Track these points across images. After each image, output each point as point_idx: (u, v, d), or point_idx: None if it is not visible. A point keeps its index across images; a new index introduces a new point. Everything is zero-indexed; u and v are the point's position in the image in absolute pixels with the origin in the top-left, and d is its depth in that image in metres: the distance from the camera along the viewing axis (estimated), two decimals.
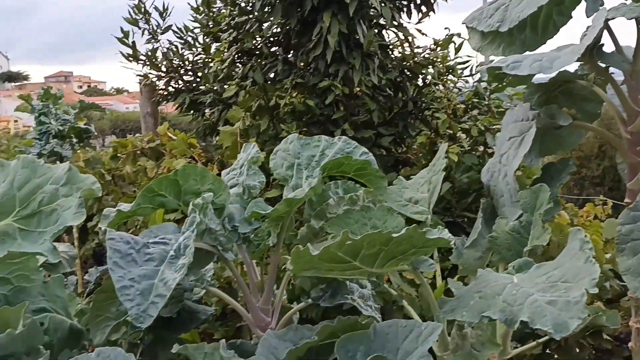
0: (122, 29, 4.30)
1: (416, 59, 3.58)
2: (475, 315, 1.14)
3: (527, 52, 1.79)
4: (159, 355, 2.00)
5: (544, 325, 1.06)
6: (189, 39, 4.38)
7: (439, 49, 3.65)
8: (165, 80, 4.39)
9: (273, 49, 3.75)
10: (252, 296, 1.93)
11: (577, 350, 2.53)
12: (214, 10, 4.30)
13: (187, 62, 4.37)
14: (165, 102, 4.62)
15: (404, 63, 3.66)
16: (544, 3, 1.59)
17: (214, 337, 2.94)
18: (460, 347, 1.52)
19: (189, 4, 4.39)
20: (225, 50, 3.77)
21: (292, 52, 3.67)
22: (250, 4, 3.79)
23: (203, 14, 4.33)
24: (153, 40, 4.33)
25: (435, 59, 3.56)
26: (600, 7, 1.61)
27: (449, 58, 3.58)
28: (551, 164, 1.88)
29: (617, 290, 2.77)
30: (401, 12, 3.65)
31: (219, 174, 2.07)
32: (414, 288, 2.77)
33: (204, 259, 1.79)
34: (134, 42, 4.28)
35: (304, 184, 1.89)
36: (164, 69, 4.35)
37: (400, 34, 3.64)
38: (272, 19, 3.56)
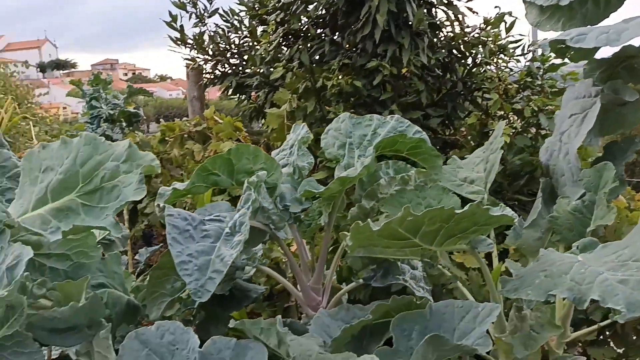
0: (170, 13, 4.35)
1: (466, 38, 3.49)
2: (541, 293, 1.11)
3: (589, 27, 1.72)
4: (211, 332, 2.03)
5: (616, 304, 1.02)
6: (235, 22, 4.39)
7: (489, 27, 3.55)
8: (212, 63, 4.42)
9: (320, 30, 3.72)
10: (303, 275, 1.93)
11: (634, 337, 2.45)
12: None
13: (233, 45, 4.39)
14: (211, 85, 4.66)
15: (453, 43, 3.58)
16: None
17: (261, 317, 2.97)
18: (519, 328, 1.49)
19: None
20: (272, 32, 3.76)
21: (338, 33, 3.63)
22: None
23: None
24: (200, 24, 4.37)
25: (486, 38, 3.46)
26: None
27: (500, 37, 3.48)
28: (614, 142, 1.81)
29: None
30: None
31: None
32: (463, 271, 2.73)
33: (256, 237, 1.80)
34: (181, 26, 4.33)
35: (356, 163, 1.87)
36: (210, 52, 4.38)
37: (450, 13, 3.55)
38: None
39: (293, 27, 3.65)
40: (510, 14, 3.55)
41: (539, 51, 3.50)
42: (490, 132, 3.34)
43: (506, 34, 3.54)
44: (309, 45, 3.60)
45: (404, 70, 3.28)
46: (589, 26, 1.71)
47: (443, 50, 3.49)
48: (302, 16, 3.71)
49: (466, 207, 1.19)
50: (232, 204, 1.82)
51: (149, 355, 1.35)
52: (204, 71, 4.63)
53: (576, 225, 1.53)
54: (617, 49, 1.67)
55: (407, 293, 1.89)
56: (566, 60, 3.34)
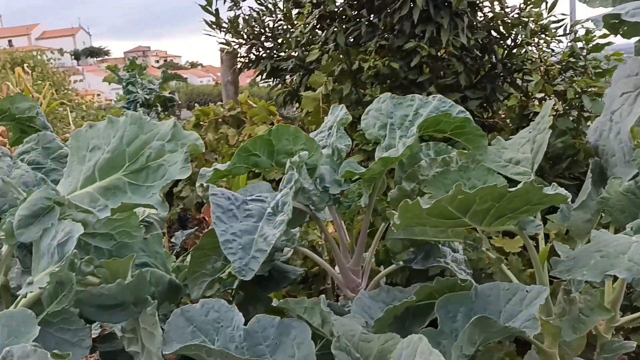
0: None
1: (506, 18, 3.40)
2: (597, 274, 1.08)
3: None
4: (250, 313, 2.04)
5: None
6: (270, 5, 4.37)
7: (530, 7, 3.44)
8: (247, 47, 4.42)
9: (356, 11, 3.67)
10: (342, 257, 1.92)
11: None
12: None
13: (267, 29, 4.38)
14: (246, 69, 4.66)
15: (492, 23, 3.49)
16: None
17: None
18: (567, 312, 1.45)
19: None
20: (308, 14, 3.73)
21: (375, 14, 3.58)
22: None
23: None
24: (235, 7, 4.36)
25: (527, 17, 3.36)
26: None
27: (542, 17, 3.38)
28: None
29: None
30: None
31: None
32: (503, 256, 2.69)
33: (297, 218, 1.80)
34: (217, 10, 4.33)
35: (398, 144, 1.84)
36: (245, 36, 4.37)
37: None
38: None
39: (329, 8, 3.61)
40: None
41: (582, 31, 3.40)
42: (531, 114, 3.26)
43: (548, 13, 3.44)
44: (344, 27, 3.56)
45: (442, 52, 3.22)
46: None
47: (482, 31, 3.41)
48: None
49: (519, 185, 1.16)
50: None
51: (194, 332, 1.36)
52: (239, 55, 4.63)
53: (629, 207, 1.48)
54: None
55: (445, 276, 1.87)
56: (610, 40, 3.25)
